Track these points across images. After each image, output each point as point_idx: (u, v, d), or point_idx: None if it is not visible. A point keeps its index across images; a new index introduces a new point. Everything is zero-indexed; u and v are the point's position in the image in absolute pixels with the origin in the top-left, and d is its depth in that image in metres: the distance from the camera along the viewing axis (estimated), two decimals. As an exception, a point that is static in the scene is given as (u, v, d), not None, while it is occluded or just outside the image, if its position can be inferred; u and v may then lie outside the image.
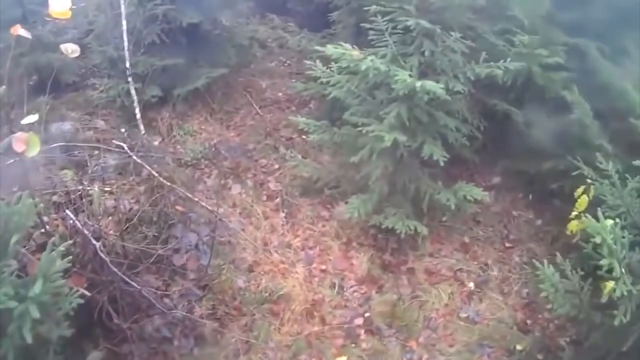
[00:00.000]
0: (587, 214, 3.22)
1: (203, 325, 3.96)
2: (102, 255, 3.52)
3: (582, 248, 3.29)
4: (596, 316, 3.37)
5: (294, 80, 5.56)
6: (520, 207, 5.02)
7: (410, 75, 3.94)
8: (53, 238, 2.79)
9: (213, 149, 5.24)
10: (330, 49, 4.12)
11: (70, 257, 2.67)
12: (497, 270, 4.53)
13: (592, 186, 3.46)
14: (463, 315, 4.22)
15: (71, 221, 3.67)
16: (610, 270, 3.02)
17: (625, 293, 2.97)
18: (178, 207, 4.47)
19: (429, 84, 3.83)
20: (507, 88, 4.65)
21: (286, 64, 6.28)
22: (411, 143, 4.22)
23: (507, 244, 4.74)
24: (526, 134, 4.70)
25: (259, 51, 6.49)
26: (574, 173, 3.98)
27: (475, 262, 4.57)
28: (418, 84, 3.78)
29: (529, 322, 4.24)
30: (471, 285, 4.42)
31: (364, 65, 3.94)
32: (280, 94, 6.00)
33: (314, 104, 5.71)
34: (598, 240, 3.13)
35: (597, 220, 3.14)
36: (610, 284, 3.01)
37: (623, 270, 3.00)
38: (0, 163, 3.27)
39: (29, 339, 2.23)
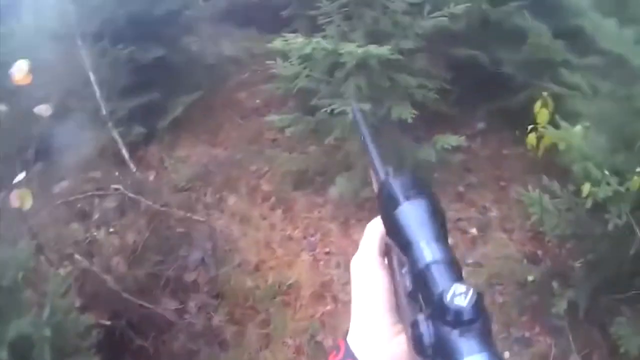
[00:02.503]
0: (548, 125, 3.27)
1: (224, 331, 4.13)
2: (112, 286, 3.76)
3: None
4: (596, 227, 3.40)
5: (269, 85, 5.65)
6: (508, 145, 5.04)
7: (358, 46, 4.03)
8: (53, 268, 3.07)
9: (204, 169, 5.36)
10: (275, 43, 4.24)
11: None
12: (497, 210, 4.58)
13: (549, 97, 3.47)
14: (469, 260, 4.27)
15: (82, 266, 3.94)
16: (588, 175, 3.07)
17: (611, 194, 3.01)
18: (179, 229, 4.64)
19: (373, 49, 3.92)
20: (465, 33, 4.72)
21: (258, 72, 6.38)
22: (378, 110, 4.29)
23: (502, 183, 4.78)
24: (495, 73, 4.75)
25: (230, 66, 6.60)
26: (545, 94, 3.99)
27: (474, 208, 4.63)
28: (360, 50, 3.88)
29: (539, 252, 4.28)
30: (473, 230, 4.48)
31: (308, 48, 4.05)
32: (258, 101, 6.10)
33: (291, 101, 5.80)
34: (562, 146, 3.19)
35: (557, 128, 3.21)
36: (587, 185, 3.06)
37: (606, 172, 3.03)
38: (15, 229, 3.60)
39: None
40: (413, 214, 0.76)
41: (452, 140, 4.43)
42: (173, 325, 4.09)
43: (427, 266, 0.69)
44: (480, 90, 5.00)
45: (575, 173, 3.21)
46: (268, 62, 4.77)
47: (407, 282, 0.74)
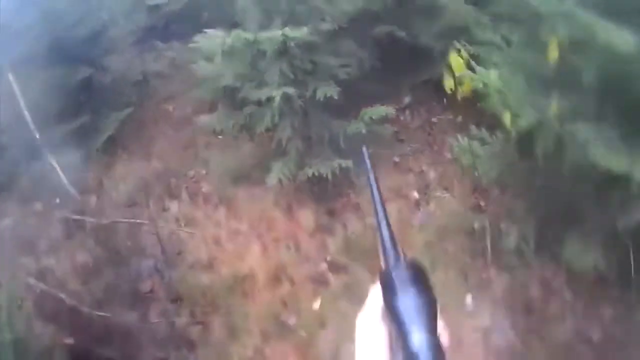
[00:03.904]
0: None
1: (189, 332, 4.17)
2: (71, 303, 3.80)
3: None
4: (527, 163, 3.58)
5: (195, 92, 5.67)
6: (437, 112, 5.21)
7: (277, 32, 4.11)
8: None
9: (143, 182, 5.35)
10: (196, 39, 4.30)
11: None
12: (434, 172, 4.73)
13: (462, 48, 3.61)
14: (416, 222, 4.42)
15: (38, 290, 3.93)
16: (507, 106, 3.23)
17: (534, 121, 3.17)
18: (127, 243, 4.66)
19: (289, 31, 4.01)
20: (383, 11, 4.85)
21: (184, 81, 6.35)
22: (304, 93, 4.38)
23: (436, 147, 4.92)
24: (415, 46, 4.89)
25: (156, 80, 6.59)
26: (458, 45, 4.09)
27: (412, 174, 4.76)
28: (279, 34, 3.96)
29: (482, 203, 4.41)
30: (415, 194, 4.61)
31: (229, 41, 4.11)
32: (188, 110, 6.08)
33: (220, 103, 5.82)
34: (480, 86, 3.35)
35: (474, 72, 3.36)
36: (508, 114, 3.21)
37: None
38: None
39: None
40: (408, 305, 0.85)
41: (379, 111, 4.53)
42: (138, 336, 4.12)
43: (416, 354, 0.80)
44: (403, 65, 5.14)
45: (495, 107, 3.35)
46: (192, 64, 4.84)
47: (400, 357, 0.83)
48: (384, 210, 1.07)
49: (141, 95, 6.21)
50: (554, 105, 3.06)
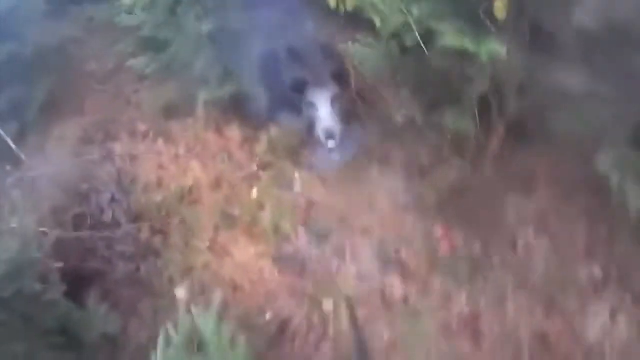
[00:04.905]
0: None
1: (152, 243, 4.93)
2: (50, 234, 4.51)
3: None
4: (407, 57, 4.37)
5: (122, 45, 6.04)
6: (338, 32, 5.79)
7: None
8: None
9: (83, 135, 5.88)
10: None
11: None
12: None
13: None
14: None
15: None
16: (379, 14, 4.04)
17: (403, 21, 3.99)
18: (83, 185, 5.25)
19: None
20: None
21: (105, 38, 6.69)
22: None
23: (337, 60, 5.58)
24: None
25: (78, 41, 6.73)
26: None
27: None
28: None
29: (378, 98, 5.19)
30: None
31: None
32: (112, 64, 6.52)
33: (144, 50, 6.18)
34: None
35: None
36: (378, 19, 4.03)
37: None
38: None
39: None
40: None
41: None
42: (109, 257, 4.86)
43: None
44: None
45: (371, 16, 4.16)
46: (112, 21, 5.43)
47: None
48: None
49: (65, 59, 6.61)
50: (415, 10, 3.90)
